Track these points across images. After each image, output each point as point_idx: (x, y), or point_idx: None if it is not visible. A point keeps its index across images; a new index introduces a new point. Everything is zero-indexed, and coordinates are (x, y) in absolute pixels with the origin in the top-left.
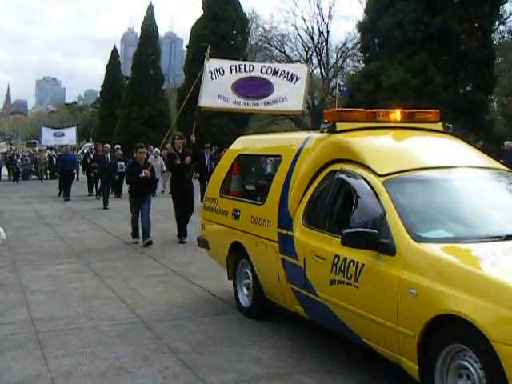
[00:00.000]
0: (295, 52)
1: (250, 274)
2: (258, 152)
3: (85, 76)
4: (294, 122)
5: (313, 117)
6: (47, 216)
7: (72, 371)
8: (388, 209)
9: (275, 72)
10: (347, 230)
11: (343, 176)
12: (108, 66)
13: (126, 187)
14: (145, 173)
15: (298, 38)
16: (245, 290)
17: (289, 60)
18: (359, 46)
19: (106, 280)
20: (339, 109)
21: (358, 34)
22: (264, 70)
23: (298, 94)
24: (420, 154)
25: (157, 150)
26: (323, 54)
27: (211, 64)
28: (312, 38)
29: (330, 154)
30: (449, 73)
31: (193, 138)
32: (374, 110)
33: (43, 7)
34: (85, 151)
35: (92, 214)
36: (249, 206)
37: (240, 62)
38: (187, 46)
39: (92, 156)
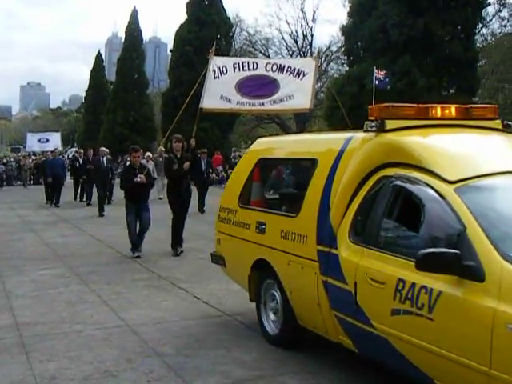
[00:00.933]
0: (279, 56)
1: (278, 297)
2: (286, 155)
3: (69, 81)
4: (279, 125)
5: (297, 121)
6: (32, 222)
7: (57, 375)
8: (468, 223)
9: (281, 69)
10: (424, 251)
11: (400, 183)
12: (92, 71)
13: (117, 194)
14: (140, 177)
15: (283, 41)
16: (271, 315)
17: None
18: (343, 49)
19: (90, 284)
20: (388, 104)
21: (342, 38)
22: (269, 68)
23: (306, 91)
24: (491, 156)
25: (148, 154)
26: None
27: (215, 62)
28: (296, 42)
29: (379, 157)
30: (432, 76)
31: (192, 142)
32: (426, 106)
33: (27, 12)
34: (69, 156)
35: (78, 220)
36: (277, 219)
37: (243, 60)
38: (171, 51)
39: (81, 160)
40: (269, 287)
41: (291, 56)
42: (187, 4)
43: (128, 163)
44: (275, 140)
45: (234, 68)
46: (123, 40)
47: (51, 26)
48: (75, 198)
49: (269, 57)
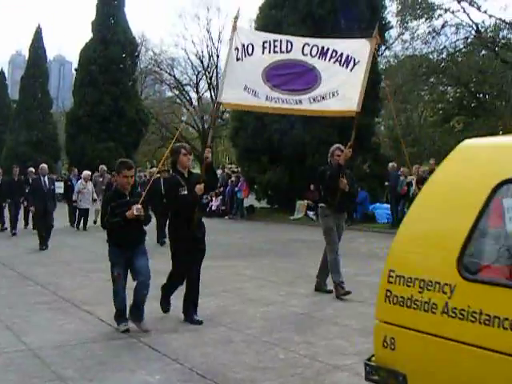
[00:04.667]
0: (185, 76)
1: None
2: None
3: None
4: (188, 143)
5: (203, 141)
6: None
7: None
8: None
9: (323, 53)
10: None
11: None
12: None
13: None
14: (137, 210)
15: (188, 61)
16: None
17: (179, 84)
18: None
19: None
20: None
21: None
22: (307, 50)
23: (354, 86)
24: None
25: (87, 172)
26: (213, 78)
27: (238, 37)
28: (202, 62)
29: None
30: None
31: (208, 154)
32: None
33: None
34: None
35: None
36: None
37: (275, 37)
38: (76, 70)
39: (16, 180)
40: None
41: (197, 77)
42: (93, 23)
43: (114, 187)
44: None
45: (264, 48)
46: (27, 58)
47: None
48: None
49: (174, 77)
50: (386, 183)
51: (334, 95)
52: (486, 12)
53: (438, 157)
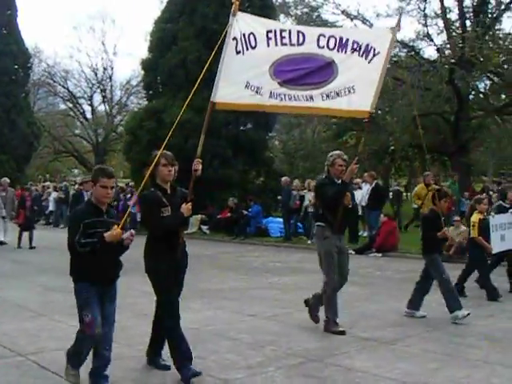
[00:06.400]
0: (79, 88)
1: None
2: None
3: None
4: (77, 159)
5: (96, 154)
6: None
7: None
8: None
9: (342, 45)
10: None
11: None
12: None
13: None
14: (128, 237)
15: (82, 74)
16: None
17: (73, 97)
18: (143, 83)
19: None
20: None
21: (142, 72)
22: (323, 42)
23: (371, 82)
24: None
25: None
26: (107, 91)
27: (238, 25)
28: (96, 75)
29: None
30: (230, 111)
31: (198, 166)
32: None
33: None
34: None
35: None
36: None
37: (282, 26)
38: None
39: None
40: None
41: (91, 89)
42: None
43: (87, 200)
44: None
45: (269, 39)
46: None
47: None
48: None
49: (68, 90)
50: (279, 197)
51: (349, 92)
52: None
53: None
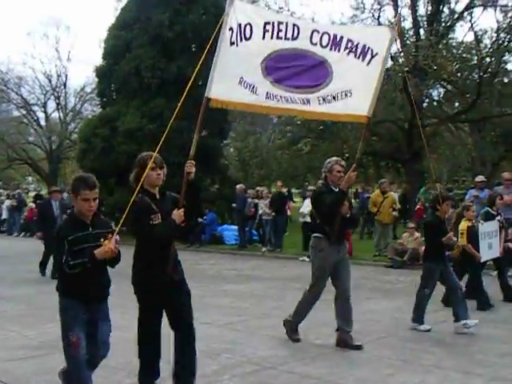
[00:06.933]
0: (33, 95)
1: None
2: None
3: None
4: (31, 166)
5: (50, 162)
6: None
7: None
8: None
9: (335, 43)
10: None
11: None
12: None
13: None
14: (112, 247)
15: (36, 80)
16: None
17: (26, 104)
18: (97, 90)
19: None
20: None
21: (96, 79)
22: (316, 39)
23: (369, 85)
24: None
25: None
26: (61, 98)
27: (236, 14)
28: (50, 81)
29: None
30: (184, 119)
31: (191, 168)
32: None
33: None
34: None
35: None
36: None
37: (280, 18)
38: None
39: None
40: None
41: (45, 96)
42: None
43: (69, 214)
44: None
45: (265, 31)
46: None
47: None
48: None
49: (21, 97)
50: (234, 205)
51: (346, 95)
52: None
53: (285, 179)
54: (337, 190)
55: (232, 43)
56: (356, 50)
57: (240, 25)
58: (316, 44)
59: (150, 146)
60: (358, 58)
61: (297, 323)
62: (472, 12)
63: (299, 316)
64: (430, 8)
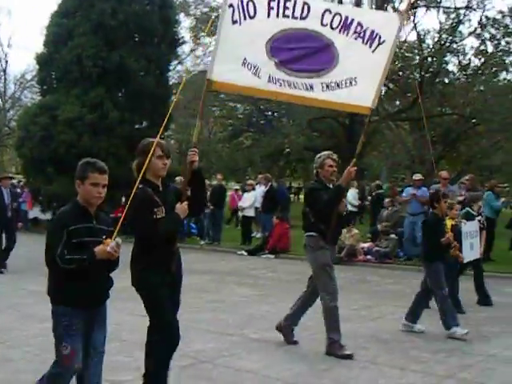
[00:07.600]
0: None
1: None
2: None
3: None
4: None
5: None
6: None
7: None
8: None
9: (346, 25)
10: None
11: None
12: None
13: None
14: (111, 248)
15: None
16: None
17: None
18: (37, 78)
19: None
20: None
21: (37, 66)
22: (327, 19)
23: (374, 74)
24: None
25: None
26: (1, 84)
27: None
28: None
29: None
30: (125, 109)
31: (194, 157)
32: None
33: None
34: None
35: None
36: None
37: None
38: None
39: None
40: None
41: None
42: None
43: (73, 201)
44: None
45: (270, 8)
46: None
47: None
48: None
49: None
50: None
51: (351, 83)
52: None
53: (225, 171)
54: (331, 186)
55: (235, 22)
56: (364, 35)
57: (242, 1)
58: (326, 25)
59: (89, 136)
60: (366, 43)
61: (339, 339)
62: (415, 12)
63: (336, 331)
64: (373, 6)
